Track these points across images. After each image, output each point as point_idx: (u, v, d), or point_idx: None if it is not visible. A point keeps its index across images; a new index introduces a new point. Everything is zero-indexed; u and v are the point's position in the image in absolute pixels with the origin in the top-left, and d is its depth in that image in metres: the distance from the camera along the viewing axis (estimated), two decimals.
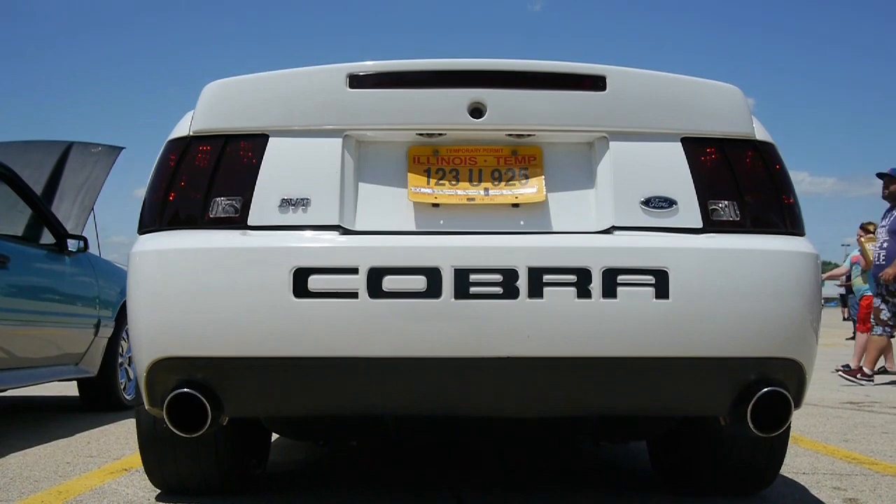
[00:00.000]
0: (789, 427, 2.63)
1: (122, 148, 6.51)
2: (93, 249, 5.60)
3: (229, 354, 2.08)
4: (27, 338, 4.58)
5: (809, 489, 3.13)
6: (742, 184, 2.27)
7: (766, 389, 2.11)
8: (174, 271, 2.11)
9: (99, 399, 5.55)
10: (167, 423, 2.10)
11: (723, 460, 2.76)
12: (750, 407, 2.11)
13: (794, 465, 3.65)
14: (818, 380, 7.62)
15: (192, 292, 2.09)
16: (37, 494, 2.95)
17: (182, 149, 2.29)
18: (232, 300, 2.07)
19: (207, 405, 2.08)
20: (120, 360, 5.64)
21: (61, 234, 5.12)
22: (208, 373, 2.11)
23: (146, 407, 2.23)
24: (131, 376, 5.77)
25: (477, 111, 2.22)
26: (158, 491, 2.92)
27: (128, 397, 5.64)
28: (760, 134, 2.34)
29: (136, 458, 2.83)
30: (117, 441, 4.23)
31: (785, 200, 2.30)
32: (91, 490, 3.01)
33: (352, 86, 2.22)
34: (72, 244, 5.22)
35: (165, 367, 2.12)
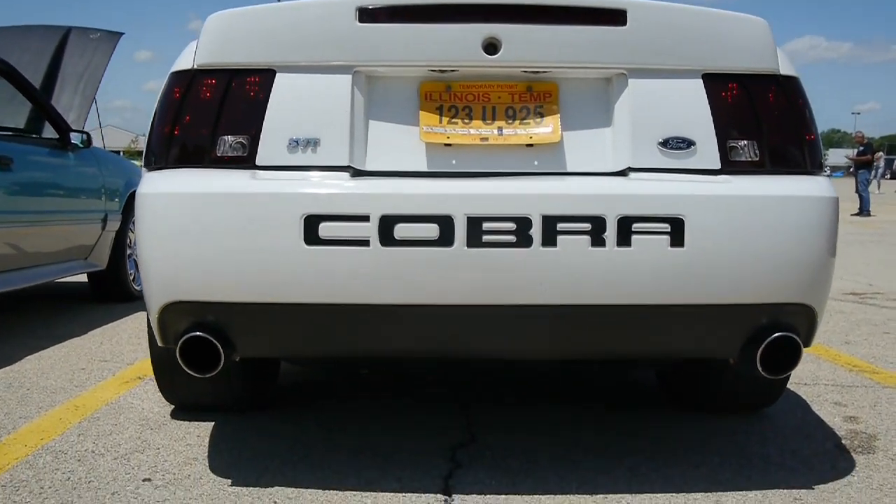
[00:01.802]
0: None
1: (122, 34, 6.35)
2: (95, 140, 5.54)
3: (240, 300, 2.08)
4: (35, 237, 4.59)
5: (811, 405, 3.19)
6: (763, 122, 2.20)
7: (776, 335, 2.11)
8: (183, 216, 2.08)
9: (109, 291, 5.62)
10: (181, 363, 2.12)
11: (729, 380, 2.81)
12: (760, 351, 2.12)
13: (796, 373, 3.70)
14: None
15: (202, 238, 2.06)
16: (55, 410, 3.02)
17: (186, 83, 2.21)
18: (242, 246, 2.05)
19: (220, 347, 2.10)
20: (128, 251, 5.66)
21: (64, 129, 5.05)
22: (220, 316, 2.11)
23: (159, 343, 2.25)
24: None
25: (492, 47, 2.14)
26: (172, 407, 2.99)
27: (137, 288, 5.70)
28: (785, 68, 2.26)
29: (148, 365, 2.88)
30: (129, 341, 4.31)
31: (806, 138, 2.24)
32: (107, 404, 3.08)
33: (361, 19, 2.13)
34: (75, 138, 5.15)
35: (177, 311, 2.13)
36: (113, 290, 5.62)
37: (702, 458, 2.54)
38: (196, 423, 2.84)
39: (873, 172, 21.65)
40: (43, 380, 3.48)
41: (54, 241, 4.80)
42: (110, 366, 3.75)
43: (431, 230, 2.01)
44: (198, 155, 2.17)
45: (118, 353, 4.05)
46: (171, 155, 2.19)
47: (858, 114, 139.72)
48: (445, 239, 2.01)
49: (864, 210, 17.88)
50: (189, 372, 2.13)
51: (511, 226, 2.02)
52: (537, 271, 2.03)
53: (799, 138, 2.23)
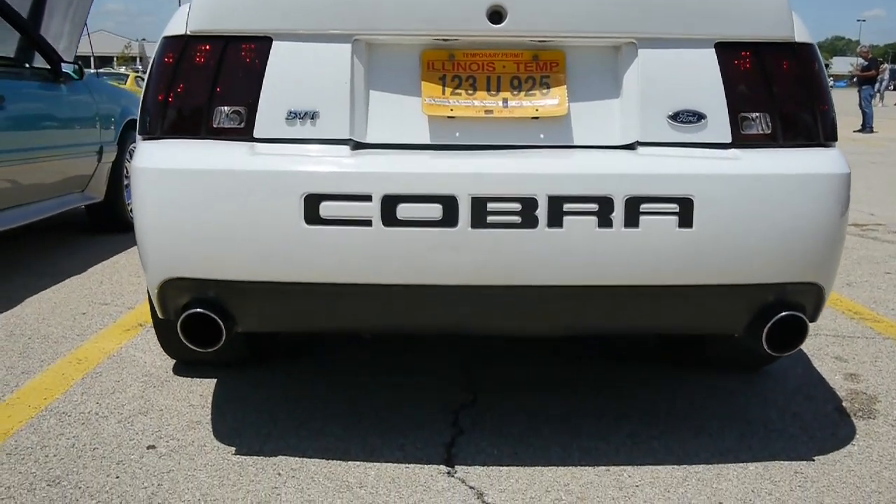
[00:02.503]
0: None
1: None
2: (87, 67, 5.41)
3: (240, 278, 2.05)
4: (31, 173, 4.53)
5: (812, 360, 3.20)
6: (777, 93, 2.13)
7: (783, 314, 2.09)
8: (180, 193, 2.02)
9: (107, 222, 5.59)
10: (183, 339, 2.11)
11: (731, 340, 2.80)
12: (766, 330, 2.10)
13: None
14: None
15: (200, 215, 2.02)
16: (57, 363, 3.02)
17: (179, 49, 2.13)
18: (241, 224, 2.00)
19: (221, 323, 2.08)
20: (125, 182, 5.61)
21: (55, 60, 4.93)
22: (220, 292, 2.09)
23: (159, 316, 2.23)
24: None
25: (496, 15, 2.05)
26: (174, 361, 3.00)
27: None
28: (800, 35, 2.17)
29: (148, 309, 2.87)
30: (129, 281, 4.30)
31: (821, 108, 2.17)
32: (109, 357, 3.08)
33: None
34: (67, 68, 5.03)
35: (176, 286, 2.10)
36: (111, 221, 5.59)
37: (702, 422, 2.56)
38: (198, 379, 2.85)
39: (877, 86, 21.31)
40: (44, 327, 3.48)
41: (50, 176, 4.74)
42: (111, 310, 3.74)
43: (435, 210, 1.97)
44: (193, 125, 2.11)
45: (118, 293, 4.04)
46: (165, 123, 2.13)
47: (864, 21, 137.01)
48: (449, 219, 1.97)
49: (866, 126, 17.69)
50: (191, 346, 2.12)
51: (516, 206, 1.97)
52: (543, 253, 1.99)
53: (813, 109, 2.16)
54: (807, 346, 3.35)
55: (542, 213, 1.97)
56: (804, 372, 3.07)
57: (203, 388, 2.77)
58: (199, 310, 2.07)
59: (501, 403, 2.66)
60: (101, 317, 3.64)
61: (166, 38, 2.16)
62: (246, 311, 2.14)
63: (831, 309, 3.94)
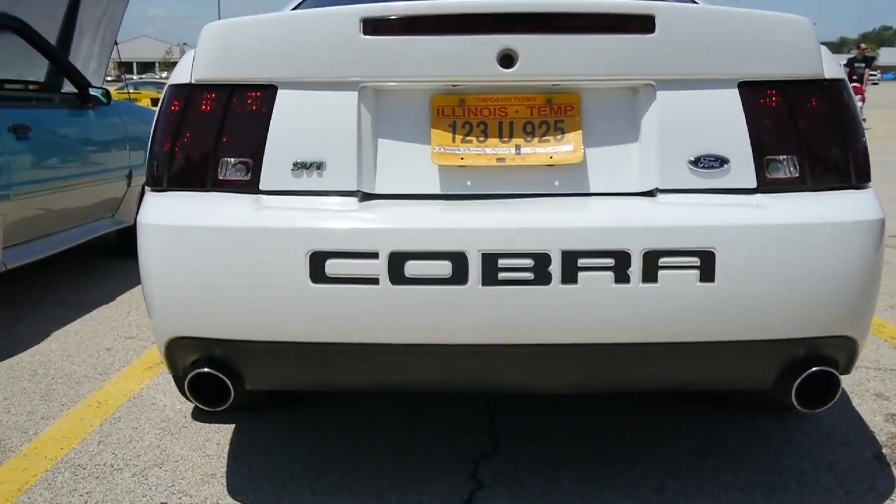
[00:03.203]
0: None
1: None
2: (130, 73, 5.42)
3: (247, 338, 1.99)
4: (60, 201, 4.53)
5: (851, 396, 3.06)
6: (805, 133, 2.01)
7: (813, 369, 1.98)
8: (184, 250, 1.97)
9: None
10: (191, 399, 2.05)
11: None
12: (795, 386, 1.99)
13: None
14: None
15: (206, 273, 1.96)
16: (77, 408, 3.00)
17: (185, 98, 2.08)
18: (246, 284, 1.94)
19: (229, 383, 2.02)
20: None
21: (83, 85, 4.94)
22: (227, 351, 2.03)
23: (170, 372, 2.18)
24: None
25: (507, 58, 1.96)
26: (193, 405, 2.95)
27: None
28: (830, 70, 2.05)
29: None
30: None
31: (851, 147, 2.05)
32: (129, 399, 3.05)
33: (366, 32, 1.96)
34: (95, 92, 5.04)
35: (183, 345, 2.05)
36: None
37: (732, 475, 2.44)
38: (217, 426, 2.80)
39: None
40: (68, 365, 3.46)
41: (80, 203, 4.75)
42: (136, 344, 3.72)
43: (444, 267, 1.89)
44: (199, 177, 2.06)
45: (144, 325, 4.02)
46: (171, 175, 2.08)
47: None
48: (459, 277, 1.89)
49: None
50: (199, 406, 2.07)
51: (529, 262, 1.88)
52: (557, 310, 1.90)
53: (844, 150, 2.04)
54: (846, 381, 3.21)
55: (555, 269, 1.88)
56: (841, 411, 2.93)
57: (221, 436, 2.72)
58: (205, 369, 2.01)
59: (523, 452, 2.57)
60: (125, 352, 3.61)
61: (172, 86, 2.11)
62: (254, 370, 2.08)
63: (873, 337, 3.79)
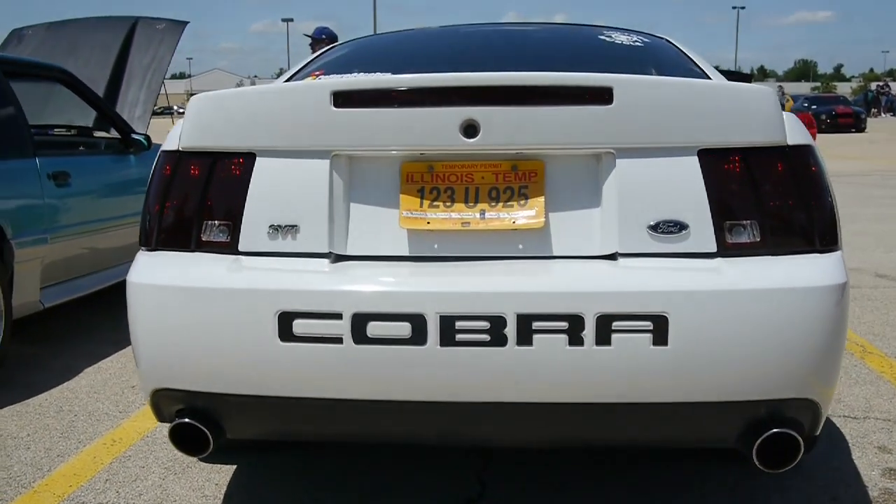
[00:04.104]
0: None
1: (187, 22, 6.42)
2: (166, 123, 5.66)
3: (222, 391, 2.10)
4: (98, 243, 4.75)
5: (853, 449, 3.04)
6: (766, 199, 2.06)
7: (773, 430, 2.01)
8: (168, 308, 2.10)
9: None
10: (174, 446, 2.17)
11: None
12: (756, 446, 2.02)
13: (850, 400, 3.55)
14: None
15: (186, 329, 2.08)
16: (92, 445, 3.15)
17: (174, 163, 2.22)
18: (222, 340, 2.06)
19: (209, 434, 2.13)
20: None
21: (126, 132, 5.18)
22: (208, 403, 2.14)
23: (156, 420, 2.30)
24: None
25: (471, 128, 2.05)
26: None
27: None
28: (794, 137, 2.10)
29: None
30: None
31: (815, 212, 2.08)
32: (142, 437, 3.20)
33: (337, 104, 2.08)
34: (137, 137, 5.28)
35: (167, 396, 2.17)
36: None
37: None
38: (219, 466, 2.91)
39: None
40: (92, 402, 3.63)
41: (117, 244, 4.96)
42: None
43: (404, 328, 1.98)
44: (184, 238, 2.19)
45: None
46: (159, 235, 2.22)
47: None
48: (418, 338, 1.97)
49: None
50: (182, 452, 2.18)
51: (485, 325, 1.96)
52: (512, 371, 1.97)
53: (808, 214, 2.08)
54: (851, 433, 3.19)
55: (510, 331, 1.95)
56: (840, 464, 2.92)
57: (221, 476, 2.84)
58: (186, 420, 2.13)
59: (509, 499, 2.63)
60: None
61: (164, 152, 2.26)
62: (233, 421, 2.19)
63: (890, 385, 3.75)
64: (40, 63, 4.92)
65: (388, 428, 2.17)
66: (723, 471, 2.82)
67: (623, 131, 2.05)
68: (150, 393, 2.19)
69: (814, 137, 13.67)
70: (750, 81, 6.99)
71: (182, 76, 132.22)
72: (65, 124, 5.41)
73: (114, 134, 5.29)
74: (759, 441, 2.01)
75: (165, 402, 2.19)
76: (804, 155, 2.11)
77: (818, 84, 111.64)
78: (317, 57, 3.32)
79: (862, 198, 11.23)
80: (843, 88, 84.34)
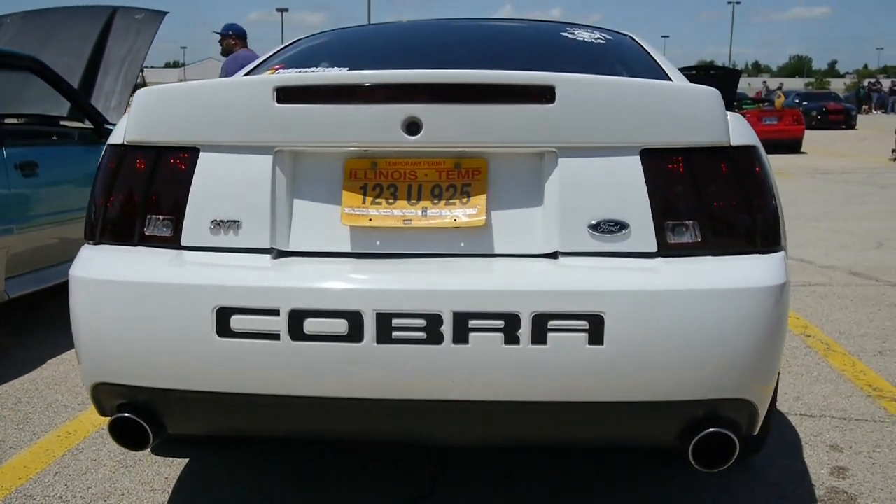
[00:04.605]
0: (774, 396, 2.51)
1: (166, 13, 6.39)
2: None
3: (161, 386, 2.10)
4: (66, 234, 4.71)
5: (804, 447, 3.06)
6: (708, 200, 2.06)
7: (709, 430, 2.01)
8: (107, 302, 2.10)
9: None
10: (113, 440, 2.17)
11: None
12: (692, 445, 2.03)
13: (808, 399, 3.57)
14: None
15: (126, 324, 2.08)
16: (46, 437, 3.15)
17: (119, 157, 2.22)
18: (161, 335, 2.06)
19: (148, 428, 2.13)
20: None
21: (99, 122, 5.15)
22: (148, 398, 2.14)
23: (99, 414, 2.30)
24: None
25: (414, 126, 2.05)
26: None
27: None
28: (738, 138, 2.10)
29: None
30: None
31: (757, 212, 2.09)
32: (98, 430, 3.19)
33: (279, 100, 2.07)
34: (110, 127, 5.25)
35: (107, 391, 2.17)
36: None
37: None
38: (171, 460, 2.91)
39: None
40: (52, 394, 3.62)
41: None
42: None
43: (341, 325, 1.98)
44: (127, 232, 2.19)
45: None
46: (103, 229, 2.22)
47: None
48: (355, 335, 1.97)
49: None
50: (121, 447, 2.18)
51: (421, 322, 1.96)
52: (448, 369, 1.97)
53: (750, 214, 2.08)
54: (805, 431, 3.21)
55: (447, 329, 1.95)
56: (790, 463, 2.93)
57: (172, 470, 2.84)
58: (125, 414, 2.13)
59: (457, 498, 2.63)
60: None
61: (110, 145, 2.25)
62: (173, 417, 2.19)
63: (850, 384, 3.76)
64: (11, 52, 4.88)
65: (327, 425, 2.17)
66: (677, 471, 2.83)
67: (565, 130, 2.05)
68: (90, 387, 2.19)
69: (801, 133, 14.02)
70: (737, 77, 6.96)
71: (176, 65, 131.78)
72: (36, 114, 5.37)
73: (88, 124, 5.25)
74: (694, 441, 2.02)
75: (106, 396, 2.19)
76: (748, 156, 2.11)
77: (812, 80, 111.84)
78: (279, 51, 3.31)
79: (845, 195, 11.26)
80: (837, 85, 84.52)
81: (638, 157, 2.06)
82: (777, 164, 15.31)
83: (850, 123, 30.14)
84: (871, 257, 6.85)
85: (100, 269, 2.15)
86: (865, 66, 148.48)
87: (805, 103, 30.39)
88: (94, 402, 2.24)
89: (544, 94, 2.02)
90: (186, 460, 2.90)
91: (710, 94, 2.08)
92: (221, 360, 2.03)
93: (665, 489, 2.71)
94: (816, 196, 11.19)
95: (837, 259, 6.76)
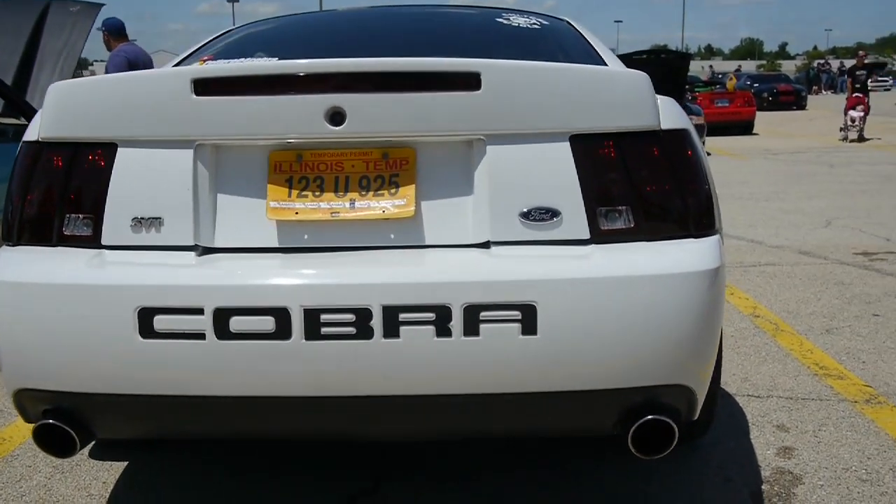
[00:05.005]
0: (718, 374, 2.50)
1: (102, 5, 6.23)
2: None
3: (84, 390, 2.03)
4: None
5: (751, 428, 3.06)
6: (639, 184, 2.03)
7: (647, 417, 1.99)
8: (25, 306, 2.02)
9: None
10: (39, 448, 2.10)
11: None
12: (630, 433, 2.00)
13: (756, 379, 3.58)
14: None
15: (46, 327, 2.00)
16: None
17: (34, 154, 2.14)
18: (82, 338, 1.98)
19: (74, 435, 2.06)
20: None
21: (31, 116, 5.00)
22: (72, 403, 2.07)
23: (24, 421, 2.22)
24: None
25: (338, 116, 1.99)
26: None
27: None
28: (669, 122, 2.07)
29: None
30: None
31: (690, 197, 2.06)
32: (2, 458, 3.09)
33: (197, 92, 2.00)
34: None
35: (30, 397, 2.09)
36: None
37: None
38: (109, 463, 2.84)
39: None
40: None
41: None
42: None
43: (268, 323, 1.92)
44: (45, 232, 2.11)
45: None
46: (21, 229, 2.14)
47: None
48: (282, 332, 1.92)
49: None
50: (48, 454, 2.11)
51: (350, 317, 1.91)
52: (380, 364, 1.93)
53: (682, 199, 2.06)
54: (753, 412, 3.22)
55: (377, 323, 1.91)
56: (737, 445, 2.93)
57: (110, 474, 2.76)
58: (50, 421, 2.05)
59: (399, 495, 2.59)
60: None
61: (25, 142, 2.17)
62: (99, 421, 2.12)
63: (798, 363, 3.79)
64: None
65: (258, 425, 2.11)
66: (617, 456, 2.82)
67: (493, 117, 2.00)
68: (12, 393, 2.11)
69: (753, 115, 14.16)
70: (688, 61, 6.92)
71: None
72: None
73: (23, 121, 5.10)
74: (633, 428, 2.00)
75: (30, 402, 2.11)
76: (679, 140, 2.08)
77: (763, 62, 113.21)
78: (210, 41, 3.23)
79: (795, 175, 11.38)
80: (788, 66, 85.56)
81: (568, 143, 2.02)
82: (729, 146, 15.43)
83: (800, 104, 30.53)
84: (820, 236, 6.93)
85: (17, 271, 2.06)
86: (815, 48, 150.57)
87: (756, 85, 30.72)
88: (17, 409, 2.16)
89: (470, 81, 1.98)
90: (125, 464, 2.83)
91: (639, 78, 2.05)
92: (145, 361, 1.97)
93: (609, 474, 2.69)
94: (768, 177, 11.30)
95: (787, 238, 6.82)
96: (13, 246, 2.14)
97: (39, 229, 2.11)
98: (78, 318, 1.98)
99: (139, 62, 6.63)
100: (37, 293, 2.01)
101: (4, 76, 5.44)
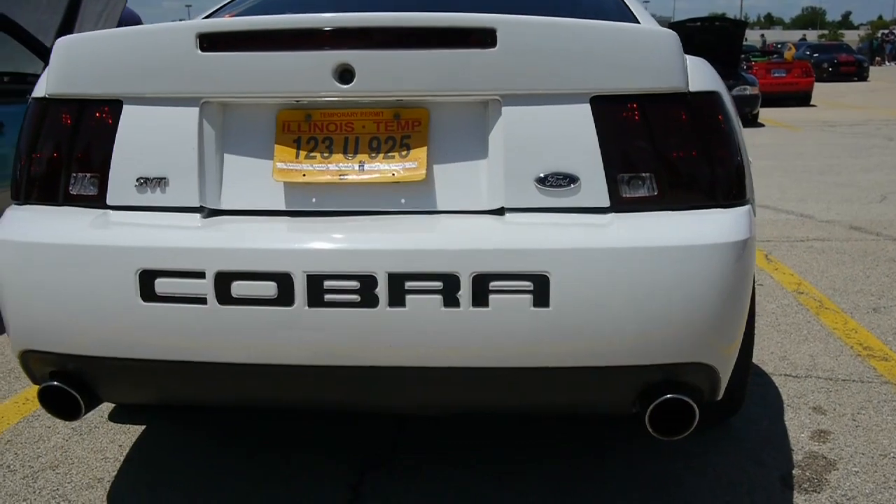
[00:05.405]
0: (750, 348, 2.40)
1: None
2: None
3: (91, 353, 1.99)
4: None
5: (786, 410, 2.94)
6: (664, 150, 1.92)
7: (666, 396, 1.89)
8: (32, 266, 1.98)
9: None
10: (44, 409, 2.07)
11: None
12: (648, 412, 1.91)
13: (795, 358, 3.44)
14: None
15: (51, 288, 1.96)
16: (4, 404, 3.06)
17: (41, 111, 2.09)
18: (85, 300, 1.94)
19: (79, 397, 2.03)
20: None
21: None
22: (77, 365, 2.03)
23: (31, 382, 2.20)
24: None
25: (347, 73, 1.90)
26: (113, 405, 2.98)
27: None
28: (698, 83, 1.94)
29: None
30: None
31: (719, 164, 1.94)
32: (24, 418, 3.08)
33: (203, 48, 1.93)
34: None
35: (35, 358, 2.06)
36: None
37: (630, 489, 2.36)
38: (127, 426, 2.82)
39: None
40: (14, 360, 3.52)
41: None
42: None
43: (270, 288, 1.85)
44: (52, 191, 2.07)
45: None
46: (28, 188, 2.10)
47: None
48: (285, 298, 1.85)
49: None
50: (54, 417, 2.08)
51: (354, 284, 1.83)
52: (384, 333, 1.85)
53: (710, 166, 1.94)
54: (789, 393, 3.08)
55: (382, 291, 1.83)
56: (770, 426, 2.81)
57: (126, 438, 2.75)
58: (54, 383, 2.02)
59: (415, 468, 2.53)
60: None
61: (33, 99, 2.12)
62: (105, 385, 2.08)
63: (840, 342, 3.63)
64: None
65: (260, 393, 2.06)
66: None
67: (509, 76, 1.90)
68: (18, 354, 2.08)
69: (811, 86, 13.73)
70: (743, 29, 6.70)
71: None
72: (8, 72, 5.23)
73: None
74: (651, 407, 1.90)
75: (36, 363, 2.08)
76: (709, 102, 1.96)
77: (825, 32, 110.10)
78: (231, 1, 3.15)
79: (853, 148, 11.02)
80: (851, 36, 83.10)
81: (588, 105, 1.91)
82: (784, 117, 15.00)
83: (861, 75, 29.60)
84: (874, 211, 6.68)
85: (23, 230, 2.02)
86: (880, 17, 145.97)
87: (816, 55, 29.86)
88: (24, 370, 2.13)
89: (485, 38, 1.87)
90: (143, 427, 2.81)
91: (666, 36, 1.93)
92: (147, 325, 1.92)
93: (626, 454, 2.59)
94: (823, 149, 10.95)
95: (838, 213, 6.59)
96: (21, 205, 2.10)
97: (46, 188, 2.07)
98: (81, 280, 1.93)
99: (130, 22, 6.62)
100: (40, 253, 1.97)
101: (45, 37, 5.43)
